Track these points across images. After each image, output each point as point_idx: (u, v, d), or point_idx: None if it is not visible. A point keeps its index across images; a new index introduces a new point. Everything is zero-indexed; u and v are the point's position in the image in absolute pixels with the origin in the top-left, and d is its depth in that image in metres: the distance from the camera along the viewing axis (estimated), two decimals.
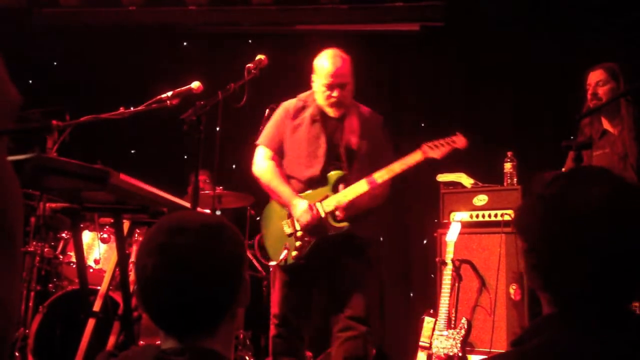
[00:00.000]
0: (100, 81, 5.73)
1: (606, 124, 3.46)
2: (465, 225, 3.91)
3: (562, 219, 1.19)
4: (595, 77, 3.43)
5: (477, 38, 5.19)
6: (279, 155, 3.37)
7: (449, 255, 3.73)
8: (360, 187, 3.16)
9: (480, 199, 4.00)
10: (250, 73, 3.03)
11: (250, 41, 5.79)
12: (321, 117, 3.30)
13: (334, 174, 3.23)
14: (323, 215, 3.20)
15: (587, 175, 1.26)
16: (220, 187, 4.62)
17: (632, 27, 4.58)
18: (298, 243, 3.21)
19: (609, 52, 3.75)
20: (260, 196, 4.89)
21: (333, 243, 3.21)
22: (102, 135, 5.26)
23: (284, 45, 5.46)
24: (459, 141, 3.20)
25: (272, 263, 3.29)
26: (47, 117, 3.31)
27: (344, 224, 3.18)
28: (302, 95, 3.42)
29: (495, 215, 3.92)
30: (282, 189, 3.27)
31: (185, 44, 6.02)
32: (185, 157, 5.65)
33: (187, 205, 2.85)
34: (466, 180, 4.07)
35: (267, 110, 3.70)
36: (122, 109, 3.09)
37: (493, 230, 3.90)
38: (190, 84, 3.01)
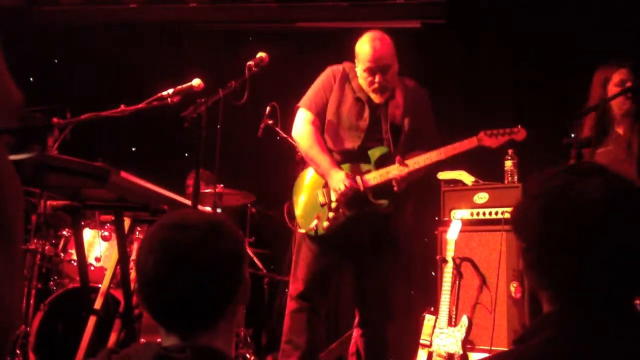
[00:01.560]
0: (101, 79, 5.73)
1: (613, 123, 3.45)
2: (466, 223, 3.90)
3: (560, 215, 1.19)
4: (626, 75, 3.36)
5: (477, 36, 5.18)
6: (320, 118, 3.21)
7: (449, 253, 3.72)
8: (406, 168, 3.02)
9: (481, 197, 4.00)
10: (251, 71, 3.02)
11: (251, 38, 5.79)
12: (365, 97, 3.17)
13: (377, 150, 3.11)
14: (362, 189, 3.07)
15: (582, 171, 1.26)
16: (221, 185, 4.61)
17: (632, 26, 4.58)
18: (331, 214, 3.09)
19: (609, 51, 3.74)
20: (261, 194, 4.91)
21: (368, 225, 3.09)
22: (102, 133, 5.27)
23: (285, 42, 5.46)
24: (520, 133, 3.07)
25: (302, 231, 3.18)
26: (48, 114, 3.31)
27: (384, 202, 3.06)
28: (347, 65, 3.26)
29: (496, 213, 3.92)
30: (321, 158, 3.12)
31: (186, 41, 6.02)
32: (186, 154, 5.66)
33: (188, 203, 2.85)
34: (467, 178, 4.07)
35: (268, 108, 3.71)
36: (122, 107, 3.10)
37: (494, 228, 3.89)
38: (191, 81, 3.02)
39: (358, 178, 3.08)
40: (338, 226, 3.09)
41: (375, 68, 3.10)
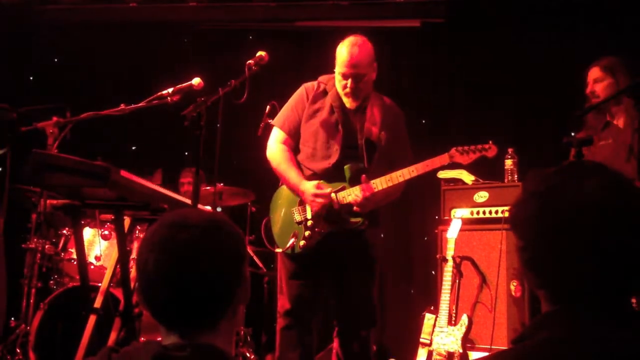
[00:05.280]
0: (101, 78, 5.73)
1: (609, 116, 3.51)
2: (466, 221, 3.90)
3: (557, 214, 1.19)
4: (593, 74, 3.50)
5: (478, 34, 5.18)
6: (293, 138, 3.27)
7: (449, 252, 3.73)
8: (379, 184, 3.06)
9: (481, 196, 4.00)
10: (251, 69, 3.01)
11: (250, 37, 5.79)
12: (341, 105, 3.20)
13: (351, 167, 3.13)
14: (337, 207, 3.11)
15: (581, 169, 1.26)
16: (221, 184, 4.62)
17: (632, 26, 4.58)
18: (307, 232, 3.13)
19: (608, 50, 3.75)
20: (261, 193, 4.91)
21: (344, 241, 3.13)
22: (102, 132, 5.26)
23: (285, 41, 5.46)
24: (490, 150, 3.12)
25: (279, 250, 3.22)
26: (48, 113, 3.32)
27: (359, 219, 3.09)
28: (324, 78, 3.30)
29: (496, 212, 3.92)
30: (290, 174, 3.18)
31: (185, 40, 6.02)
32: (186, 153, 5.66)
33: (188, 202, 2.85)
34: (467, 177, 4.06)
35: (268, 107, 3.70)
36: (122, 106, 3.10)
37: (494, 226, 3.90)
38: (190, 80, 3.02)
39: (333, 195, 3.11)
40: (314, 245, 3.13)
41: (349, 74, 3.13)
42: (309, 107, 3.25)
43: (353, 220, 3.11)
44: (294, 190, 3.19)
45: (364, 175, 3.07)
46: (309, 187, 3.11)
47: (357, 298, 3.18)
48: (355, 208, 3.09)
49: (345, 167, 3.14)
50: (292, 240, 3.14)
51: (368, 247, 3.21)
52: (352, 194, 3.09)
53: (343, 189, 3.13)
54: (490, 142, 3.15)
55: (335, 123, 3.19)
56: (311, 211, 3.13)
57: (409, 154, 3.26)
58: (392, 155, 3.19)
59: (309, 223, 3.13)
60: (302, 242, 3.14)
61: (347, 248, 3.15)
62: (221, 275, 1.36)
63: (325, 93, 3.26)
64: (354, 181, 3.12)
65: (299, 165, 3.24)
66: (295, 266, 3.21)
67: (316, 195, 3.09)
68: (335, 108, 3.21)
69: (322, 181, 3.15)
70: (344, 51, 3.15)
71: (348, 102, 3.19)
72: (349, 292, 3.19)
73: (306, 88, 3.31)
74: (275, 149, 3.28)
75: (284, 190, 3.30)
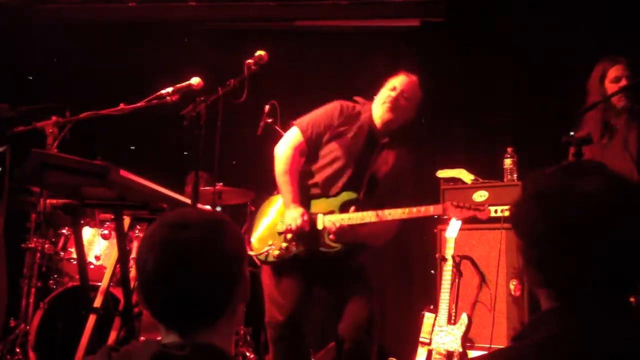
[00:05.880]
0: (100, 77, 5.73)
1: (613, 118, 3.49)
2: (466, 221, 3.90)
3: (558, 214, 1.20)
4: (621, 71, 3.40)
5: (478, 34, 5.18)
6: (309, 146, 3.23)
7: (449, 251, 3.73)
8: (367, 217, 3.05)
9: (481, 195, 4.00)
10: (251, 69, 3.01)
11: (250, 37, 5.78)
12: (367, 136, 3.21)
13: (346, 194, 3.14)
14: (320, 227, 3.11)
15: (582, 169, 1.27)
16: (221, 184, 4.62)
17: (632, 26, 4.58)
18: (284, 244, 3.12)
19: (608, 50, 3.75)
20: (261, 193, 4.91)
21: (324, 259, 3.13)
22: (102, 131, 5.26)
23: (284, 41, 5.45)
24: (485, 212, 3.12)
25: (252, 253, 3.20)
26: (47, 113, 3.32)
27: (337, 246, 3.09)
28: (361, 101, 3.31)
29: (496, 211, 3.92)
30: (287, 189, 3.16)
31: (185, 40, 6.01)
32: (185, 153, 5.65)
33: (187, 201, 2.85)
34: (466, 176, 4.07)
35: (268, 106, 3.70)
36: (122, 105, 3.11)
37: (493, 226, 3.90)
38: (190, 80, 3.02)
39: (320, 216, 3.12)
40: (289, 258, 3.12)
41: (399, 90, 3.19)
42: (336, 127, 3.23)
43: (330, 244, 3.10)
44: (285, 206, 3.19)
45: (354, 206, 3.09)
46: (295, 214, 3.08)
47: (357, 298, 3.18)
48: (331, 236, 3.09)
49: (345, 192, 3.15)
50: (267, 248, 3.14)
51: (358, 267, 3.22)
52: (338, 220, 3.08)
53: (332, 212, 3.13)
54: (486, 205, 3.18)
55: (355, 153, 3.19)
56: (286, 226, 3.13)
57: (406, 198, 3.24)
58: (389, 195, 3.19)
59: (289, 236, 3.12)
60: (276, 252, 3.13)
61: (335, 267, 3.15)
62: (221, 275, 1.37)
63: (357, 118, 3.25)
64: (344, 208, 3.12)
65: (306, 174, 3.23)
66: (279, 274, 3.20)
67: (293, 220, 3.09)
68: (361, 138, 3.21)
69: (318, 201, 3.18)
70: (401, 75, 3.25)
71: (382, 113, 3.19)
72: (348, 292, 3.18)
73: (342, 106, 3.28)
74: (285, 153, 3.24)
75: (277, 198, 3.30)
